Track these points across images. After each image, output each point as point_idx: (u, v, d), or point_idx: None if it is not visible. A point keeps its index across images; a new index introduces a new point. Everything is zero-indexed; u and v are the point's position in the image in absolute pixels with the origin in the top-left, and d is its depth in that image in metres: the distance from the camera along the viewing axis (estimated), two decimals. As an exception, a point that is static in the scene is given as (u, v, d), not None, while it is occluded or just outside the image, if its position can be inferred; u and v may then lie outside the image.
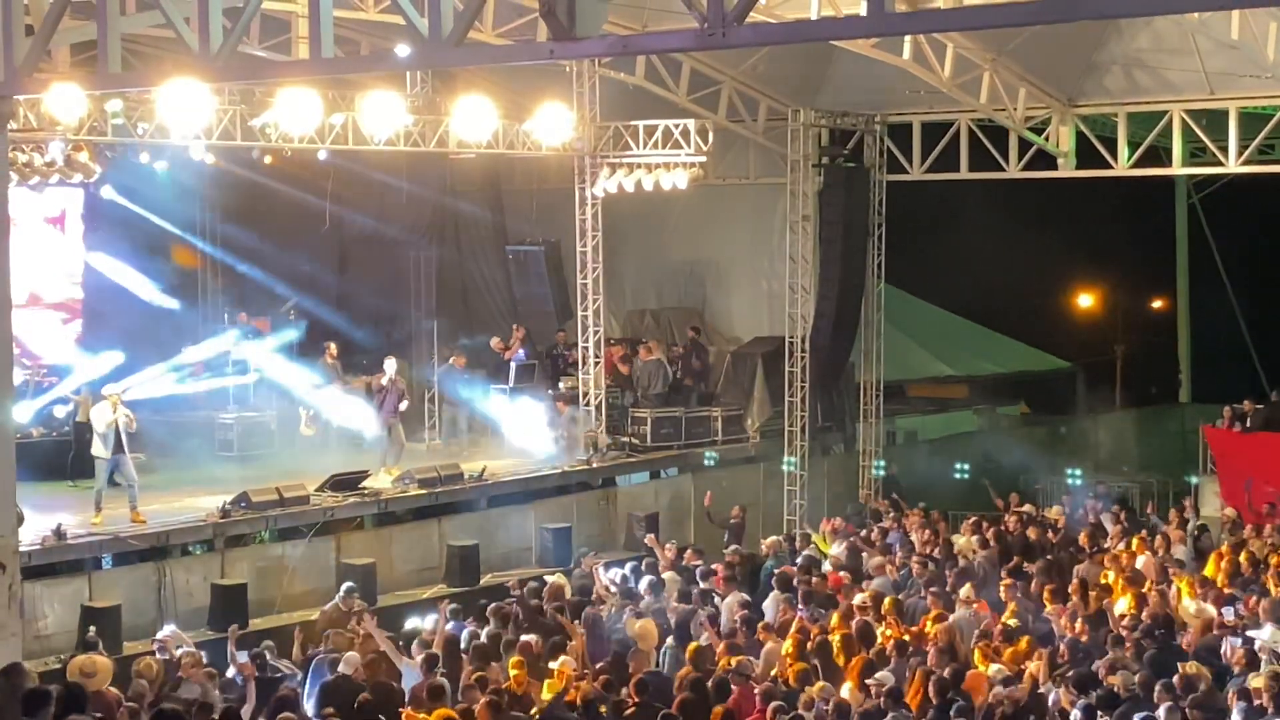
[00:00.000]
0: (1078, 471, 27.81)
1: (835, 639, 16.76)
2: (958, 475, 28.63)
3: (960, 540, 22.27)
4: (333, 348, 27.57)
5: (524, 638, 16.94)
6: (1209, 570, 20.18)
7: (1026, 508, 25.06)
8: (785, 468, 28.13)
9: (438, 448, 27.77)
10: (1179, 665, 15.26)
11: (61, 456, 24.35)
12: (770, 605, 19.08)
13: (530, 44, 20.45)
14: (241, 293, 29.31)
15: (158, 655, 16.59)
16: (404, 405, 25.60)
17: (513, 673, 15.27)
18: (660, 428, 27.66)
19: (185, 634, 18.32)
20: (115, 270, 27.57)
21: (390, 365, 25.91)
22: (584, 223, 27.18)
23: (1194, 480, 27.63)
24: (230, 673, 16.31)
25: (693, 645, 16.61)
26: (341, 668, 15.75)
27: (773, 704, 14.25)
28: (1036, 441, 33.98)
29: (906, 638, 16.91)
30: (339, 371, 27.50)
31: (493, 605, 18.46)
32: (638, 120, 26.68)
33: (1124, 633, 16.74)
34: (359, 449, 25.80)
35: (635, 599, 19.15)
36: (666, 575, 20.46)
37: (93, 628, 18.50)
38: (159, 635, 17.67)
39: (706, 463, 27.72)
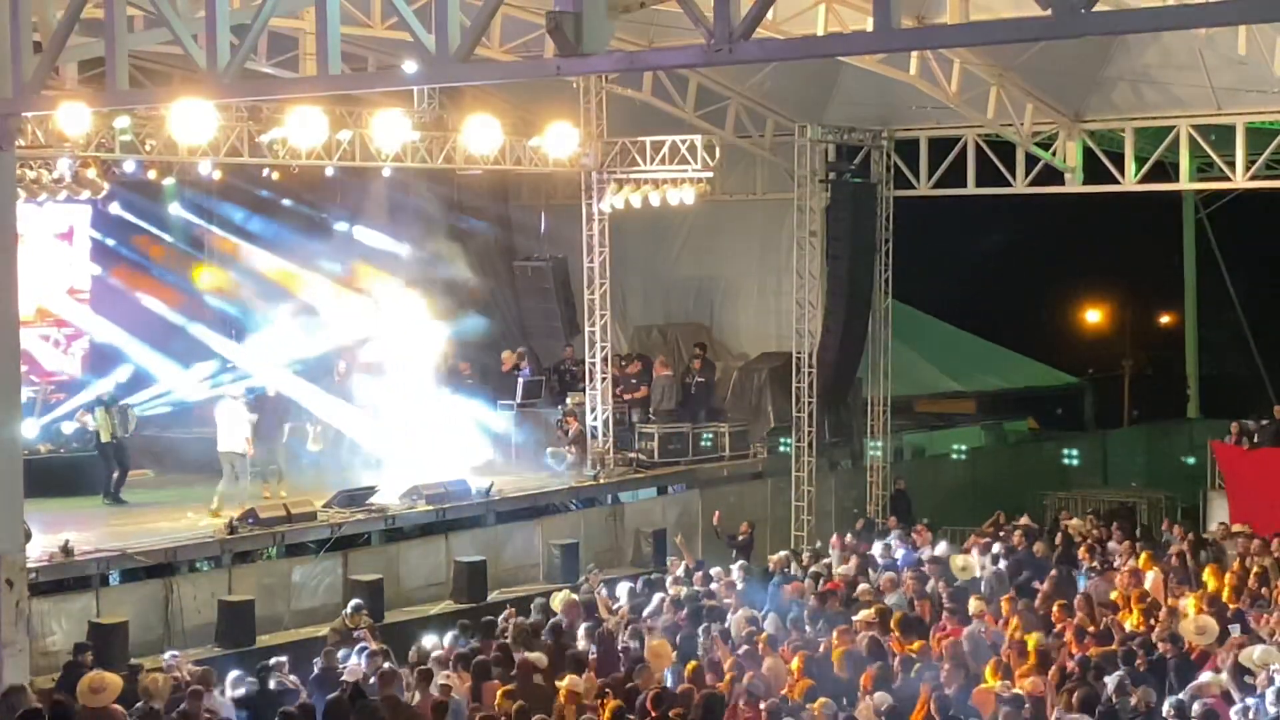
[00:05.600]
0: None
1: (838, 654, 16.72)
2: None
3: (966, 557, 22.21)
4: (341, 365, 27.57)
5: (526, 656, 16.86)
6: (1212, 586, 20.12)
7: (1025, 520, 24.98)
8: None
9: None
10: (1191, 682, 15.24)
11: (70, 473, 24.37)
12: (775, 621, 19.03)
13: (537, 60, 20.45)
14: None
15: (164, 672, 16.55)
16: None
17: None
18: (668, 443, 27.62)
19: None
20: (122, 286, 27.59)
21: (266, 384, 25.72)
22: (591, 238, 27.16)
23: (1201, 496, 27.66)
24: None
25: (691, 664, 16.55)
26: (346, 678, 15.72)
27: (780, 721, 14.21)
28: (1044, 457, 33.97)
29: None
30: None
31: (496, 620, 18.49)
32: (645, 136, 26.69)
33: (1135, 649, 16.67)
34: (369, 465, 25.76)
35: (643, 614, 19.12)
36: (673, 590, 20.45)
37: (85, 645, 18.39)
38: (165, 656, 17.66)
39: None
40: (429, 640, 18.54)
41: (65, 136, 20.47)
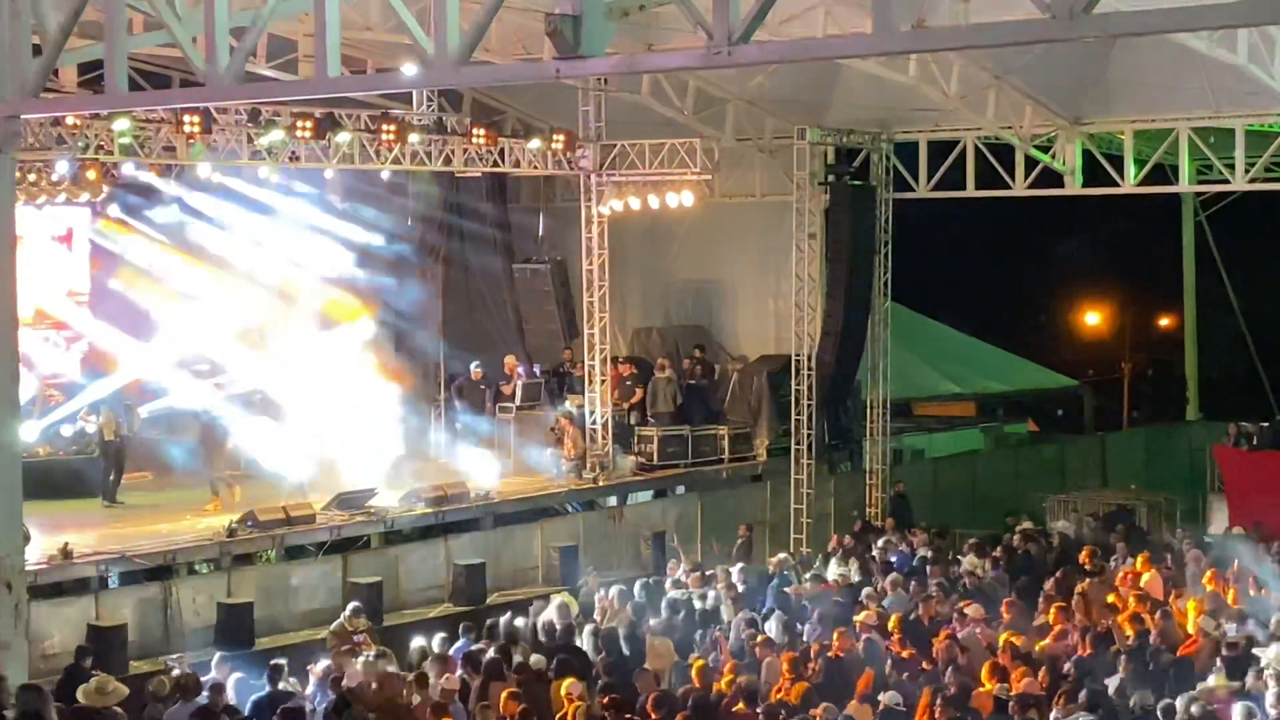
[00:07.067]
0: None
1: (836, 656, 16.72)
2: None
3: (966, 560, 22.23)
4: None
5: (529, 658, 16.87)
6: (1212, 589, 20.12)
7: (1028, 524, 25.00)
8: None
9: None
10: (1193, 684, 15.24)
11: (69, 476, 24.33)
12: (774, 624, 19.04)
13: (536, 63, 20.45)
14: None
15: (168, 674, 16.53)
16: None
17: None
18: (667, 446, 27.61)
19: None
20: (121, 288, 27.55)
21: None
22: (590, 241, 27.17)
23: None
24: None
25: (699, 663, 16.56)
26: (346, 683, 15.70)
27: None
28: (1043, 460, 33.97)
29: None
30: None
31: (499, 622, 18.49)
32: (643, 139, 26.68)
33: (1134, 651, 16.67)
34: (367, 467, 25.71)
35: (645, 616, 19.13)
36: (673, 593, 20.46)
37: (86, 648, 18.36)
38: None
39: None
40: (419, 641, 18.51)
41: (64, 139, 20.49)
